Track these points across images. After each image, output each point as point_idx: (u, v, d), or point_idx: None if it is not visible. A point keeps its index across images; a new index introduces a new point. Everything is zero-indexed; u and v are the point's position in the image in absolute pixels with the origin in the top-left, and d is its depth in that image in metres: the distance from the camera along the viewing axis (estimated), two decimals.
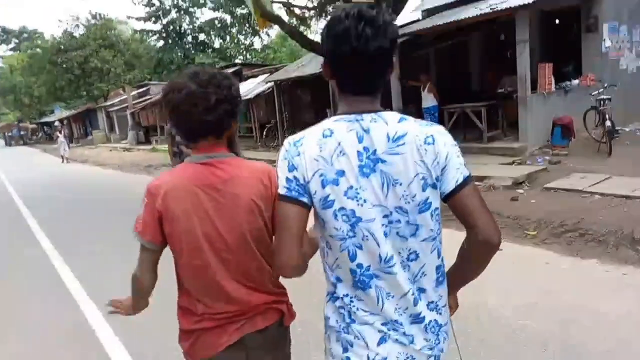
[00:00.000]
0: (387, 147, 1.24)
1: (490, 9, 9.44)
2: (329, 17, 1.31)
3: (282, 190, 1.28)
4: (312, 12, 16.07)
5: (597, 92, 9.58)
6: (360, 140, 1.25)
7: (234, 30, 38.05)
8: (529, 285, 4.09)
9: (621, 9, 11.23)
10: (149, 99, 26.43)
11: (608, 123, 8.25)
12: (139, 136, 25.53)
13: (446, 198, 1.28)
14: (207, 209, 1.51)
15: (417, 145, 1.24)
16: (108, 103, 34.26)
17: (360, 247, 1.26)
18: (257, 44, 40.59)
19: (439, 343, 1.34)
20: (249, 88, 19.49)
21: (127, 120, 27.23)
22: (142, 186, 1.67)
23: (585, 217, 5.67)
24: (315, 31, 19.86)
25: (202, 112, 1.47)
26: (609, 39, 10.93)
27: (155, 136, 24.19)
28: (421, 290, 1.31)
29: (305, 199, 1.27)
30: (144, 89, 30.38)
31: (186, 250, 1.54)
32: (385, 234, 1.26)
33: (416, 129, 1.26)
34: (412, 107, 12.25)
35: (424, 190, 1.25)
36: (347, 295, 1.31)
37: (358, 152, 1.24)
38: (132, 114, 26.68)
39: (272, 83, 17.38)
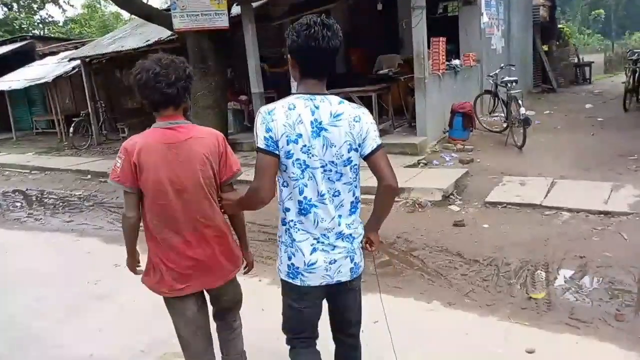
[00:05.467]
0: (329, 120, 1.84)
1: None
2: (296, 24, 1.81)
3: (261, 145, 1.84)
4: None
5: (494, 73, 8.29)
6: (312, 113, 1.84)
7: None
8: None
9: None
10: None
11: (523, 110, 6.84)
12: None
13: (365, 158, 1.90)
14: (170, 161, 2.03)
15: (349, 122, 1.85)
16: None
17: (306, 185, 1.88)
18: (58, 17, 33.31)
19: (353, 248, 1.99)
20: (47, 69, 14.71)
21: None
22: None
23: (586, 253, 3.88)
24: None
25: (164, 86, 1.99)
26: (486, 15, 9.81)
27: None
28: (340, 216, 1.94)
29: (276, 152, 1.84)
30: None
31: (153, 191, 2.05)
32: (322, 178, 1.88)
33: (349, 110, 1.87)
34: (273, 92, 9.71)
35: (349, 152, 1.87)
36: (292, 220, 1.93)
37: (311, 121, 1.83)
38: None
39: (79, 61, 13.08)
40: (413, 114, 8.33)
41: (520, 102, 6.96)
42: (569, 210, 4.73)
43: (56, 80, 14.02)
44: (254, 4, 8.90)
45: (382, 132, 7.96)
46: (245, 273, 2.44)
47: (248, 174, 2.12)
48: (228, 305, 2.39)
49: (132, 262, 2.32)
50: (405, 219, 5.11)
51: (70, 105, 15.48)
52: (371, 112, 6.63)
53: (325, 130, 1.82)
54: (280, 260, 2.02)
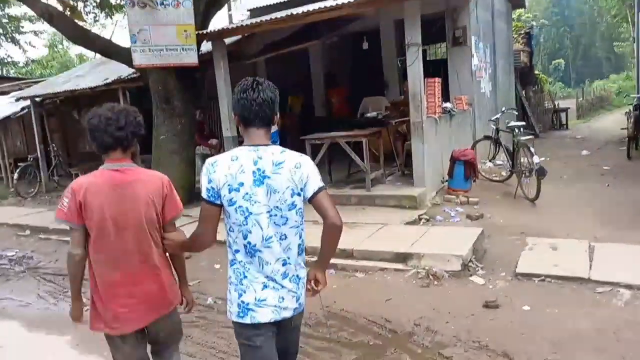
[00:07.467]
0: (272, 169, 1.96)
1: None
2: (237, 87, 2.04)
3: (204, 195, 1.97)
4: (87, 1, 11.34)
5: (495, 117, 7.52)
6: (255, 164, 1.96)
7: None
8: None
9: (478, 24, 9.65)
10: None
11: (536, 158, 6.00)
12: None
13: (309, 200, 2.01)
14: (113, 200, 2.12)
15: (290, 169, 1.97)
16: None
17: (250, 232, 1.97)
18: (19, 57, 31.72)
19: (298, 288, 2.09)
20: None
21: None
22: None
23: None
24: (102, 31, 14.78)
25: (115, 130, 2.12)
26: (476, 57, 9.20)
27: None
28: (289, 257, 2.04)
29: (218, 202, 1.97)
30: None
31: (96, 229, 2.13)
32: (268, 223, 1.98)
33: (290, 158, 2.00)
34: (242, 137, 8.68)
35: (292, 196, 1.98)
36: (241, 261, 2.03)
37: (253, 171, 1.95)
38: None
39: (29, 101, 11.78)
40: (405, 161, 7.45)
41: (532, 149, 6.13)
42: (628, 286, 3.76)
43: (5, 122, 12.66)
44: (227, 40, 7.99)
45: (374, 182, 7.01)
46: (186, 312, 2.54)
47: None
48: (164, 340, 2.41)
49: (77, 309, 2.30)
50: (420, 296, 4.03)
51: (22, 149, 13.99)
52: (362, 159, 5.49)
53: (269, 177, 1.95)
54: (230, 302, 2.08)
